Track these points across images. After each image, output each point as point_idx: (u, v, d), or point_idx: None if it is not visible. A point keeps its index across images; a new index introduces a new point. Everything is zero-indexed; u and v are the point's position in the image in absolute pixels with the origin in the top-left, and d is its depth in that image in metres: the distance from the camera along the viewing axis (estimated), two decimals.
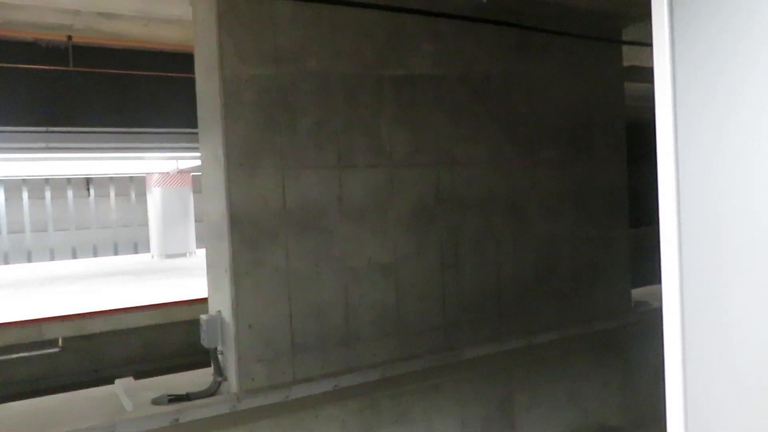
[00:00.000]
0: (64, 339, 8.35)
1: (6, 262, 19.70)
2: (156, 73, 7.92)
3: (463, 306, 5.02)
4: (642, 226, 9.17)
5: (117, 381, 4.46)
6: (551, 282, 5.56)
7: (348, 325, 4.44)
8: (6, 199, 20.06)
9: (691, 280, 1.46)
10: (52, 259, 20.28)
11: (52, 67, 7.28)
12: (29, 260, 20.02)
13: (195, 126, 4.58)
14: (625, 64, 6.26)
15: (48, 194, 20.63)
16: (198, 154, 10.61)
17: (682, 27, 1.47)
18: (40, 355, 8.29)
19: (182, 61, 7.44)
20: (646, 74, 7.58)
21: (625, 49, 6.11)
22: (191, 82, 4.58)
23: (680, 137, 1.47)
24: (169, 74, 7.89)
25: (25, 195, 20.31)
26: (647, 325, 6.02)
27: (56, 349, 8.36)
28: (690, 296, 1.47)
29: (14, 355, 8.08)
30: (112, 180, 21.22)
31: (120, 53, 7.70)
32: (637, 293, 6.52)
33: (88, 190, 21.17)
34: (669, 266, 1.48)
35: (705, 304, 1.44)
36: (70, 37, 7.02)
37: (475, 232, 5.10)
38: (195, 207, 17.44)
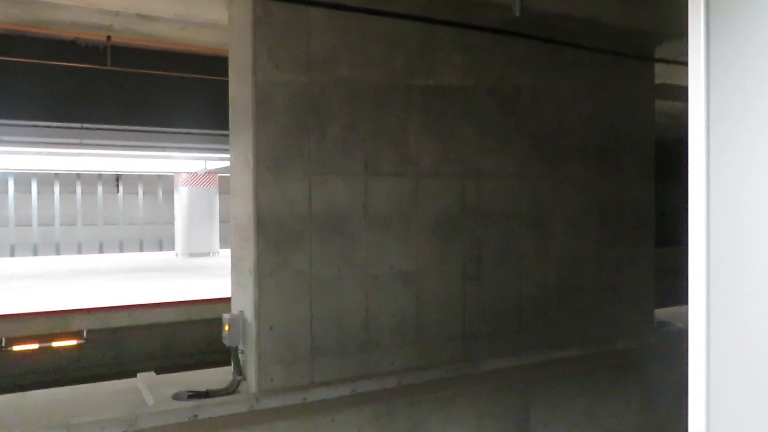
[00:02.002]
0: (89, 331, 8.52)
1: (35, 253, 20.16)
2: (189, 75, 8.08)
3: (483, 318, 5.01)
4: (668, 245, 9.02)
5: (139, 375, 4.55)
6: (573, 298, 5.52)
7: (367, 331, 4.47)
8: (38, 192, 20.56)
9: (719, 300, 1.46)
10: (80, 252, 20.71)
11: (91, 66, 7.47)
12: (57, 253, 20.47)
13: (224, 128, 4.67)
14: (657, 81, 6.21)
15: (79, 189, 21.09)
16: (225, 156, 10.76)
17: (718, 47, 1.48)
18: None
19: (215, 64, 7.58)
20: (677, 92, 7.50)
21: (657, 66, 6.06)
22: (223, 86, 4.68)
23: (712, 156, 1.47)
24: (202, 77, 8.05)
25: (56, 189, 20.80)
26: (669, 346, 5.93)
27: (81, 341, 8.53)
28: (717, 316, 1.46)
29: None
30: (140, 178, 21.62)
31: (156, 55, 7.88)
32: (660, 313, 6.43)
33: (118, 186, 21.59)
34: (696, 285, 1.48)
35: (732, 324, 1.43)
36: (109, 38, 7.20)
37: (498, 245, 5.09)
38: (220, 208, 17.67)
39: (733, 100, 1.44)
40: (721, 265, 1.46)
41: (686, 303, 1.54)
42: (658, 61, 6.02)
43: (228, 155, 4.76)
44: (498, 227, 5.09)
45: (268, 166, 4.10)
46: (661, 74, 6.46)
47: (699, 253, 1.48)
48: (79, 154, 11.43)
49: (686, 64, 1.58)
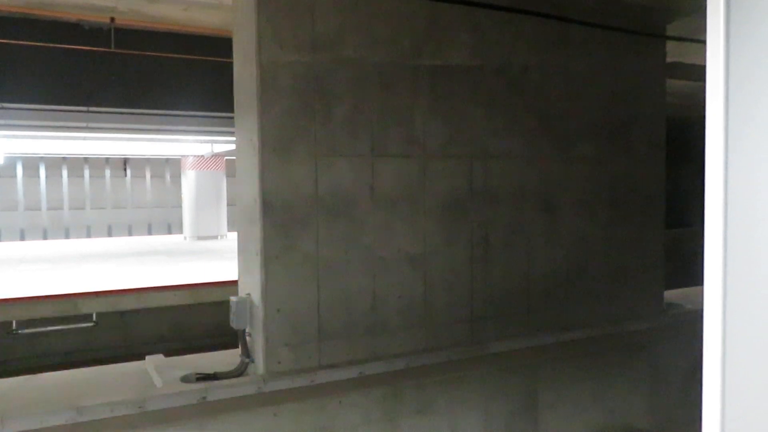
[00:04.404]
0: (98, 314, 8.58)
1: (45, 237, 20.30)
2: (194, 57, 8.02)
3: (491, 300, 4.99)
4: (678, 227, 8.94)
5: (147, 357, 4.57)
6: (582, 280, 5.49)
7: (375, 313, 4.46)
8: (47, 177, 20.65)
9: (736, 283, 1.42)
10: (89, 236, 20.85)
11: (95, 48, 7.42)
12: (67, 237, 20.61)
13: (230, 110, 4.62)
14: (668, 60, 6.09)
15: (87, 173, 21.17)
16: (231, 139, 10.74)
17: (738, 21, 1.42)
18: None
19: (220, 46, 7.51)
20: (689, 71, 7.36)
21: (668, 44, 5.94)
22: (228, 67, 4.62)
23: (731, 136, 1.41)
24: (207, 58, 7.98)
25: (64, 173, 20.89)
26: (678, 328, 5.90)
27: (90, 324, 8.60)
28: (733, 300, 1.42)
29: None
30: (148, 161, 21.66)
31: (160, 37, 7.81)
32: (669, 295, 6.39)
33: (125, 170, 21.65)
34: (713, 268, 1.44)
35: (749, 308, 1.40)
36: (112, 19, 7.14)
37: (507, 227, 5.05)
38: (228, 191, 17.68)
39: (754, 75, 1.39)
40: (739, 247, 1.42)
41: (693, 285, 1.50)
42: (669, 38, 5.90)
43: (234, 138, 4.72)
44: (506, 209, 5.04)
45: (274, 148, 4.06)
46: (672, 53, 6.33)
47: (716, 235, 1.44)
48: (85, 138, 11.44)
49: (698, 41, 1.53)
